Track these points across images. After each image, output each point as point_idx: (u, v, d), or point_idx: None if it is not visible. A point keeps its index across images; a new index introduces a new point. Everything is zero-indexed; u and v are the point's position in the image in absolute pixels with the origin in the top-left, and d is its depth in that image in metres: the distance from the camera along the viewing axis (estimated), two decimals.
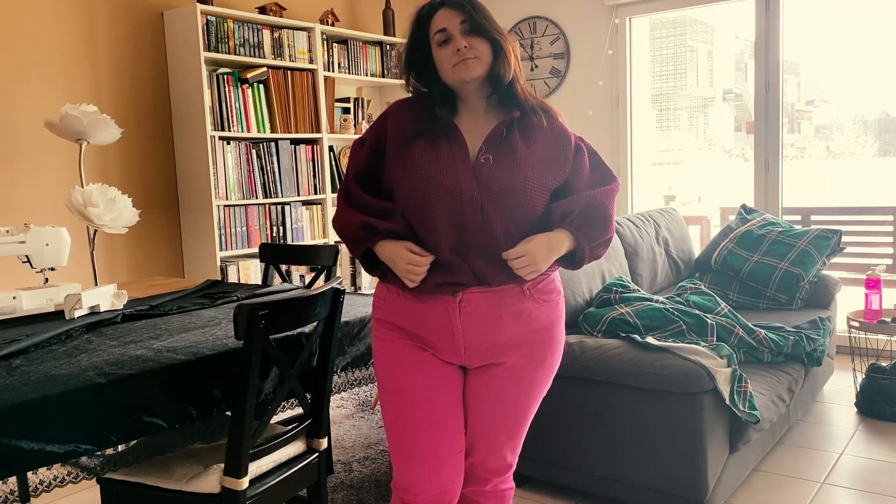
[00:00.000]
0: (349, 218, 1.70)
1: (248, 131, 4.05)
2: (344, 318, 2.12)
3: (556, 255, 1.64)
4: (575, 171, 1.70)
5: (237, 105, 3.98)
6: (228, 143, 3.94)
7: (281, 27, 4.24)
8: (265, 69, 4.12)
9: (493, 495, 1.83)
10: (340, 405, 3.75)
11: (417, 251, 1.62)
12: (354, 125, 4.76)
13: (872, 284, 3.44)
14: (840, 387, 3.73)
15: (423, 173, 1.62)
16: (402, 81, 1.75)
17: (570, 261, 1.71)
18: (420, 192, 1.62)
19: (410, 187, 1.63)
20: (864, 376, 3.40)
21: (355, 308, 2.29)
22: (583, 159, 1.71)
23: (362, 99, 4.90)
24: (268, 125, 4.15)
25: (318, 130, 4.42)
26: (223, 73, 3.91)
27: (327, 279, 2.84)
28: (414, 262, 1.60)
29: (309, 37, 4.38)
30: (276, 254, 2.97)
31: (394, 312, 1.71)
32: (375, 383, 2.33)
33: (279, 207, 4.21)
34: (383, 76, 4.95)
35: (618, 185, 1.74)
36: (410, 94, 1.76)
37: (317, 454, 2.03)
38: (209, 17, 3.84)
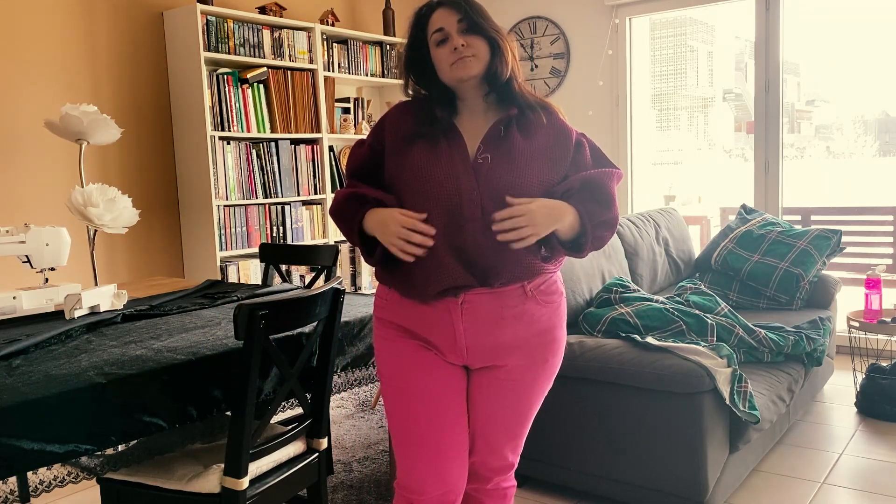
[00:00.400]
0: (340, 196, 1.70)
1: (248, 131, 4.05)
2: (344, 318, 2.12)
3: (556, 224, 1.57)
4: (575, 164, 1.68)
5: (237, 105, 3.98)
6: (228, 143, 3.94)
7: (281, 27, 4.24)
8: (265, 69, 4.12)
9: (495, 493, 1.83)
10: (340, 405, 3.75)
11: (413, 214, 1.54)
12: (354, 125, 4.76)
13: (872, 284, 3.44)
14: (840, 387, 3.73)
15: (423, 174, 1.61)
16: (402, 83, 1.74)
17: (575, 245, 1.65)
18: (420, 193, 1.61)
19: (410, 188, 1.62)
20: (864, 376, 3.40)
21: (355, 308, 2.29)
22: (583, 152, 1.70)
23: (362, 99, 4.90)
24: (268, 125, 4.15)
25: (318, 130, 4.42)
26: (223, 73, 3.91)
27: (327, 279, 2.84)
28: (409, 224, 1.53)
29: (309, 37, 4.38)
30: (276, 254, 2.97)
31: (395, 312, 1.71)
32: (375, 383, 2.33)
33: (279, 207, 4.21)
34: (383, 76, 4.95)
35: (620, 172, 1.71)
36: (410, 97, 1.75)
37: (317, 454, 2.03)
38: (209, 17, 3.84)
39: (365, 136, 1.77)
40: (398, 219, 1.55)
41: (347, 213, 1.67)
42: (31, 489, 1.54)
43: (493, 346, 1.66)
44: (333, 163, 4.60)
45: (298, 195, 4.31)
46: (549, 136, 1.67)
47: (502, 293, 1.64)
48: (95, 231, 3.08)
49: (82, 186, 2.91)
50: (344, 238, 1.78)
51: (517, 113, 1.66)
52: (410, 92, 1.74)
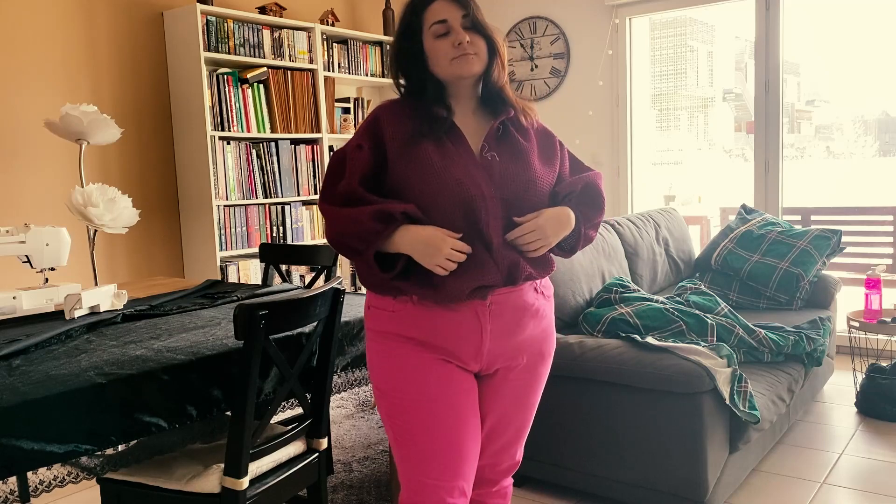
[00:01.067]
0: (354, 214, 1.52)
1: (248, 131, 4.05)
2: (344, 318, 2.12)
3: (565, 231, 1.60)
4: (561, 164, 1.72)
5: (237, 105, 3.98)
6: (228, 143, 3.94)
7: (281, 27, 4.24)
8: (265, 69, 4.12)
9: (499, 494, 1.82)
10: (340, 405, 3.75)
11: (456, 235, 1.50)
12: (354, 125, 4.76)
13: (872, 284, 3.44)
14: (840, 387, 3.73)
15: (439, 173, 1.53)
16: (392, 75, 1.66)
17: (567, 246, 1.69)
18: (437, 193, 1.53)
19: (424, 189, 1.54)
20: (864, 376, 3.40)
21: (355, 308, 2.29)
22: (565, 152, 1.75)
23: (362, 99, 4.90)
24: (268, 125, 4.15)
25: (318, 130, 4.42)
26: (223, 73, 3.91)
27: (327, 279, 2.84)
28: (459, 248, 1.49)
29: (309, 37, 4.38)
30: (276, 254, 2.97)
31: (408, 323, 1.59)
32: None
33: (279, 207, 4.21)
34: (383, 76, 4.95)
35: (601, 174, 1.78)
36: (404, 90, 1.68)
37: (317, 454, 2.03)
38: (209, 17, 3.84)
39: (357, 140, 1.61)
40: (448, 241, 1.49)
41: (370, 233, 1.51)
42: (31, 489, 1.53)
43: (512, 346, 1.64)
44: None
45: (298, 195, 4.31)
46: (539, 137, 1.70)
47: (521, 291, 1.63)
48: (95, 231, 3.08)
49: (82, 186, 2.91)
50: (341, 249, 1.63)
51: (511, 115, 1.66)
52: (402, 83, 1.66)
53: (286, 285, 2.70)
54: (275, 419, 2.08)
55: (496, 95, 1.66)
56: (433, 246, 1.49)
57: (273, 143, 4.17)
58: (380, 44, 4.92)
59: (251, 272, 4.04)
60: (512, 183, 1.58)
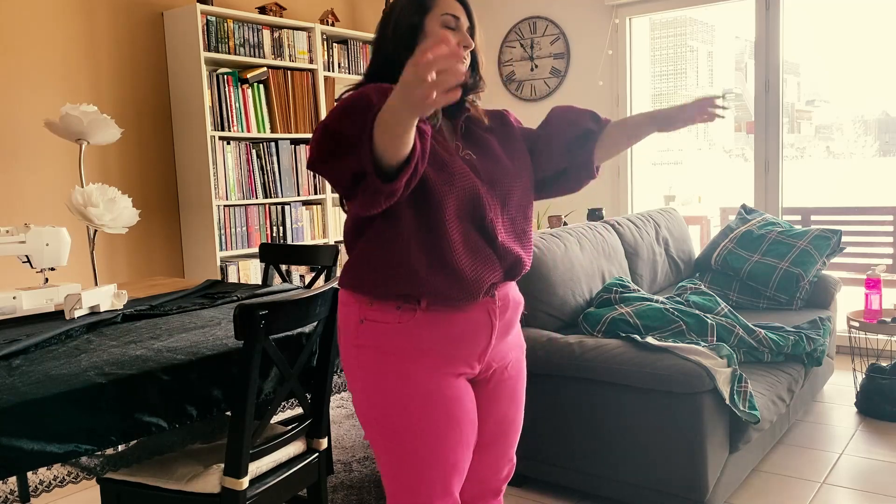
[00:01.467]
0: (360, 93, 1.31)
1: (248, 131, 4.05)
2: None
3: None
4: (521, 130, 1.70)
5: (237, 105, 3.98)
6: (228, 143, 3.94)
7: (281, 27, 4.24)
8: (265, 69, 4.12)
9: (500, 500, 1.80)
10: (340, 405, 3.75)
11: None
12: None
13: (872, 284, 3.44)
14: (840, 387, 3.73)
15: (448, 165, 1.48)
16: (388, 50, 1.53)
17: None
18: (449, 184, 1.46)
19: (438, 179, 1.45)
20: (864, 376, 3.40)
21: None
22: (515, 119, 1.72)
23: None
24: (268, 125, 4.15)
25: None
26: (223, 73, 3.91)
27: (327, 279, 2.84)
28: (453, 45, 1.11)
29: (309, 37, 4.38)
30: (276, 254, 2.97)
31: (413, 333, 1.48)
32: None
33: (279, 207, 4.21)
34: None
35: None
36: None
37: (317, 454, 2.03)
38: (209, 17, 3.84)
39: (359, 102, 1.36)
40: (417, 58, 1.10)
41: (372, 107, 1.26)
42: (31, 489, 1.54)
43: (507, 343, 1.63)
44: None
45: (298, 195, 4.31)
46: (496, 126, 1.66)
47: (513, 286, 1.63)
48: (95, 231, 3.08)
49: (82, 186, 2.91)
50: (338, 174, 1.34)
51: (469, 112, 1.63)
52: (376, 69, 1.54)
53: (286, 285, 2.70)
54: (275, 419, 2.08)
55: (458, 102, 1.60)
56: (405, 77, 1.12)
57: (273, 143, 4.17)
58: None
59: (251, 272, 4.04)
60: (498, 178, 1.56)
